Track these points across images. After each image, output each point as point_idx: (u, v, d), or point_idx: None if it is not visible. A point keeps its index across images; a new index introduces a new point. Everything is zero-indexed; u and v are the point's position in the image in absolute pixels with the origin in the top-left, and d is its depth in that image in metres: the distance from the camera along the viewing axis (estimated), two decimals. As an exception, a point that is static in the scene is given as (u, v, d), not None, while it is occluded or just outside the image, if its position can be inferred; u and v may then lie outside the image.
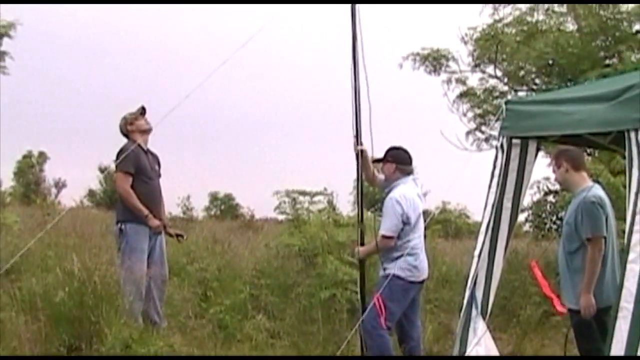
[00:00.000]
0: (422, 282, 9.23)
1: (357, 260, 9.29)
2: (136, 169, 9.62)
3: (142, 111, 10.05)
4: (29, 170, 46.55)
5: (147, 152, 9.98)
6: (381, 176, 9.46)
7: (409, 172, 9.27)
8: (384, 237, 8.90)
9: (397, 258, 8.89)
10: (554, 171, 8.35)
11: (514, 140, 8.40)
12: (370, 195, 17.03)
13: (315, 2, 10.31)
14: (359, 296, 9.22)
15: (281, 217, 20.36)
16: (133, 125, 9.96)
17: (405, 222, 8.90)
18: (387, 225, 8.90)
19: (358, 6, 8.71)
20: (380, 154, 9.34)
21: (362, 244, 9.08)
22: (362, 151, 8.94)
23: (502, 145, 8.45)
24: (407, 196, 9.00)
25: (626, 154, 6.65)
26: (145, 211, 9.56)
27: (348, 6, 8.76)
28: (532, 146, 8.43)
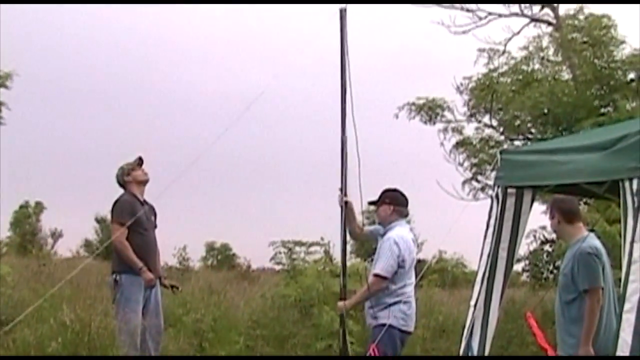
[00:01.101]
0: (410, 333, 9.13)
1: (339, 315, 9.12)
2: (131, 219, 9.59)
3: (140, 162, 10.05)
4: (26, 220, 46.49)
5: (144, 203, 9.96)
6: (368, 228, 9.40)
7: (406, 214, 9.22)
8: (377, 276, 8.74)
9: (391, 305, 8.77)
10: (550, 219, 8.33)
11: (509, 190, 8.38)
12: (368, 245, 16.99)
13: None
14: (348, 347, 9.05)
15: (278, 267, 20.29)
16: (130, 176, 9.96)
17: (401, 265, 8.78)
18: (382, 265, 8.75)
19: (347, 58, 8.71)
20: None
21: (344, 299, 8.90)
22: (346, 203, 8.86)
23: (497, 195, 8.43)
24: (404, 238, 8.91)
25: (621, 203, 6.64)
26: (140, 264, 9.52)
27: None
28: (527, 196, 8.42)
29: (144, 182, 10.00)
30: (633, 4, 18.94)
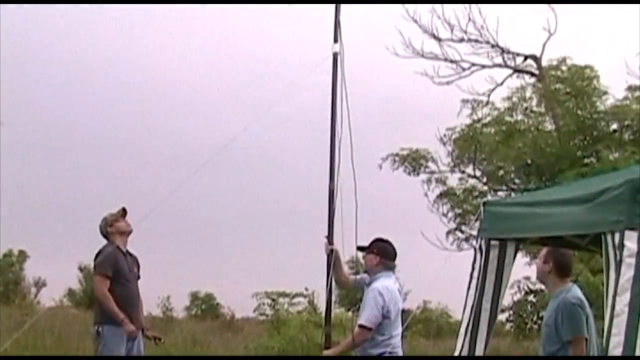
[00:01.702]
0: None
1: None
2: (114, 271, 9.54)
3: (123, 213, 10.02)
4: (9, 269, 46.21)
5: (126, 254, 9.92)
6: (354, 277, 9.34)
7: (392, 267, 9.15)
8: (361, 327, 8.67)
9: (378, 356, 8.71)
10: (541, 263, 8.27)
11: (493, 242, 8.39)
12: (352, 295, 16.94)
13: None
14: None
15: (262, 317, 20.23)
16: (113, 227, 9.92)
17: (386, 315, 8.70)
18: (367, 316, 8.67)
19: (340, 110, 8.71)
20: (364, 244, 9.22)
21: (329, 347, 8.82)
22: (332, 251, 8.82)
23: (480, 247, 8.43)
24: (390, 289, 8.83)
25: (603, 256, 6.65)
26: (121, 315, 9.47)
27: (327, 108, 8.79)
28: (510, 247, 8.42)
29: (127, 233, 9.97)
30: (633, 4, 19.06)
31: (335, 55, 8.78)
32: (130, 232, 9.94)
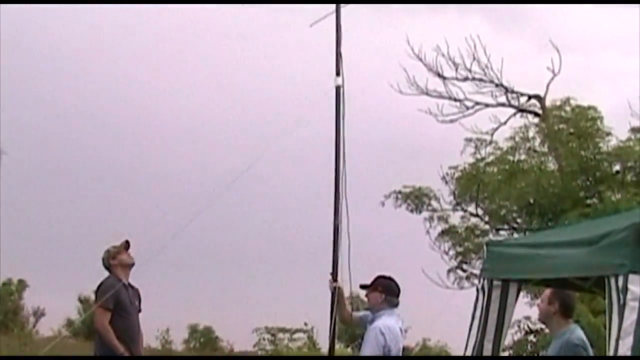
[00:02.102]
0: None
1: None
2: (115, 304, 9.54)
3: (126, 245, 10.02)
4: (8, 298, 46.12)
5: (128, 286, 9.91)
6: (357, 314, 9.32)
7: (396, 304, 9.11)
8: None
9: (386, 357, 8.65)
10: (546, 304, 8.26)
11: (495, 282, 8.36)
12: (351, 330, 16.90)
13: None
14: None
15: (261, 352, 20.15)
16: (116, 260, 9.92)
17: (386, 354, 8.69)
18: (367, 354, 8.68)
19: (343, 145, 8.71)
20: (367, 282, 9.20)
21: None
22: (337, 288, 8.80)
23: (483, 287, 8.41)
24: (391, 328, 8.81)
25: (606, 299, 6.64)
26: (121, 349, 9.45)
27: (330, 142, 8.79)
28: (513, 288, 8.40)
29: (129, 266, 9.97)
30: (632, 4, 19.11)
31: (337, 89, 8.79)
32: (132, 264, 9.97)
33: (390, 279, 9.08)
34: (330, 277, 8.78)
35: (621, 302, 6.42)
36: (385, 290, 8.94)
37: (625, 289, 6.42)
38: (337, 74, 8.85)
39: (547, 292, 8.12)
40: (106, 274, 9.91)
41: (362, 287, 9.15)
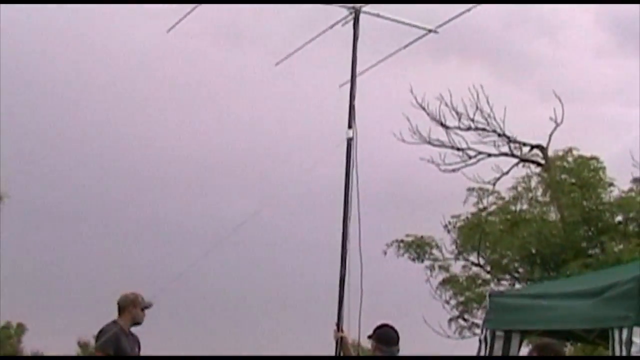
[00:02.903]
0: None
1: None
2: (115, 350, 9.50)
3: (147, 306, 9.97)
4: (7, 341, 45.97)
5: (129, 334, 9.87)
6: None
7: (392, 353, 8.99)
8: None
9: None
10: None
11: (498, 333, 8.34)
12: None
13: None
14: None
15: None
16: (134, 310, 9.86)
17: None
18: None
19: (356, 196, 8.71)
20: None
21: None
22: (341, 338, 8.75)
23: (485, 338, 8.38)
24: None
25: (610, 351, 6.61)
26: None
27: (337, 190, 8.79)
28: (515, 339, 8.37)
29: (137, 324, 9.94)
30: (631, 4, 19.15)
31: (349, 141, 8.81)
32: (140, 324, 9.94)
33: (387, 326, 9.03)
34: (335, 327, 8.73)
35: (625, 354, 6.39)
36: (378, 339, 8.89)
37: (630, 342, 6.39)
38: (349, 126, 8.89)
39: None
40: (109, 315, 9.87)
41: (369, 337, 9.10)
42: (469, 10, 9.08)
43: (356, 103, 8.89)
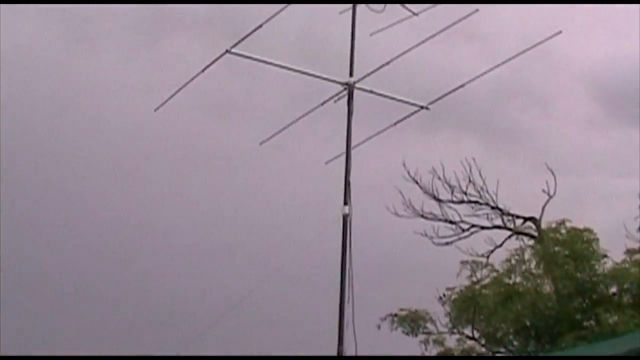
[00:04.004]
0: None
1: None
2: None
3: None
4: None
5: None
6: None
7: None
8: None
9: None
10: None
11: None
12: None
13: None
14: None
15: None
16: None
17: None
18: None
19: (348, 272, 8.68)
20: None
21: None
22: None
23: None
24: None
25: None
26: None
27: (331, 266, 8.77)
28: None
29: None
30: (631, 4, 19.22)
31: (345, 217, 8.83)
32: None
33: None
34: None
35: None
36: None
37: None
38: (345, 202, 8.92)
39: None
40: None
41: None
42: (462, 86, 9.19)
43: (351, 174, 8.93)
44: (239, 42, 8.35)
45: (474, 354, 21.10)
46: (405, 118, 9.44)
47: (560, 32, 8.90)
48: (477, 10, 8.76)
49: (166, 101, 8.84)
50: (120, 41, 34.34)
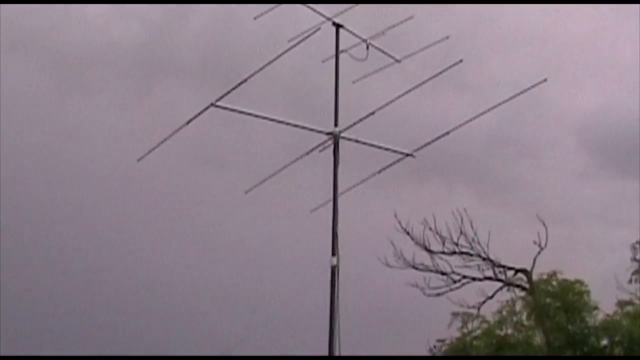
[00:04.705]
0: None
1: None
2: None
3: None
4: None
5: None
6: None
7: None
8: None
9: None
10: None
11: None
12: None
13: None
14: None
15: None
16: None
17: None
18: None
19: (338, 327, 8.63)
20: None
21: None
22: None
23: None
24: None
25: None
26: None
27: (320, 315, 8.73)
28: None
29: None
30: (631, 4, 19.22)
31: (333, 269, 8.78)
32: None
33: None
34: None
35: None
36: None
37: None
38: (333, 253, 8.86)
39: None
40: None
41: None
42: (448, 133, 9.19)
43: (340, 226, 8.89)
44: (224, 95, 8.35)
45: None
46: (390, 165, 9.45)
47: (545, 79, 8.93)
48: (460, 60, 8.81)
49: (149, 152, 8.80)
50: (113, 88, 34.43)
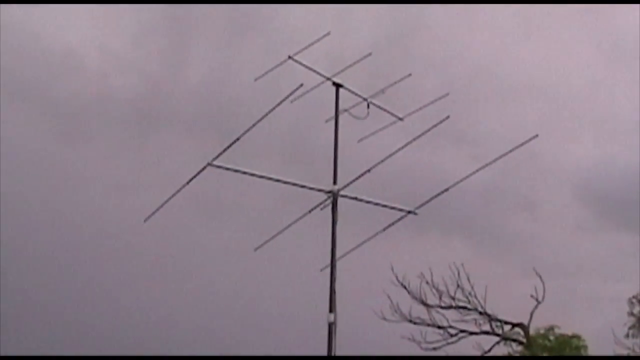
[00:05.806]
0: None
1: None
2: None
3: None
4: None
5: None
6: None
7: None
8: None
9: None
10: None
11: None
12: None
13: None
14: None
15: None
16: None
17: None
18: None
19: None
20: None
21: None
22: None
23: None
24: None
25: None
26: None
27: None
28: None
29: None
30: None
31: (330, 325, 8.79)
32: None
33: None
34: None
35: None
36: None
37: None
38: (330, 310, 8.87)
39: None
40: None
41: None
42: (447, 190, 9.22)
43: (337, 279, 8.90)
44: (220, 154, 8.41)
45: None
46: (393, 224, 9.47)
47: (536, 135, 9.02)
48: (448, 117, 8.89)
49: (153, 213, 8.89)
50: (110, 138, 34.47)
